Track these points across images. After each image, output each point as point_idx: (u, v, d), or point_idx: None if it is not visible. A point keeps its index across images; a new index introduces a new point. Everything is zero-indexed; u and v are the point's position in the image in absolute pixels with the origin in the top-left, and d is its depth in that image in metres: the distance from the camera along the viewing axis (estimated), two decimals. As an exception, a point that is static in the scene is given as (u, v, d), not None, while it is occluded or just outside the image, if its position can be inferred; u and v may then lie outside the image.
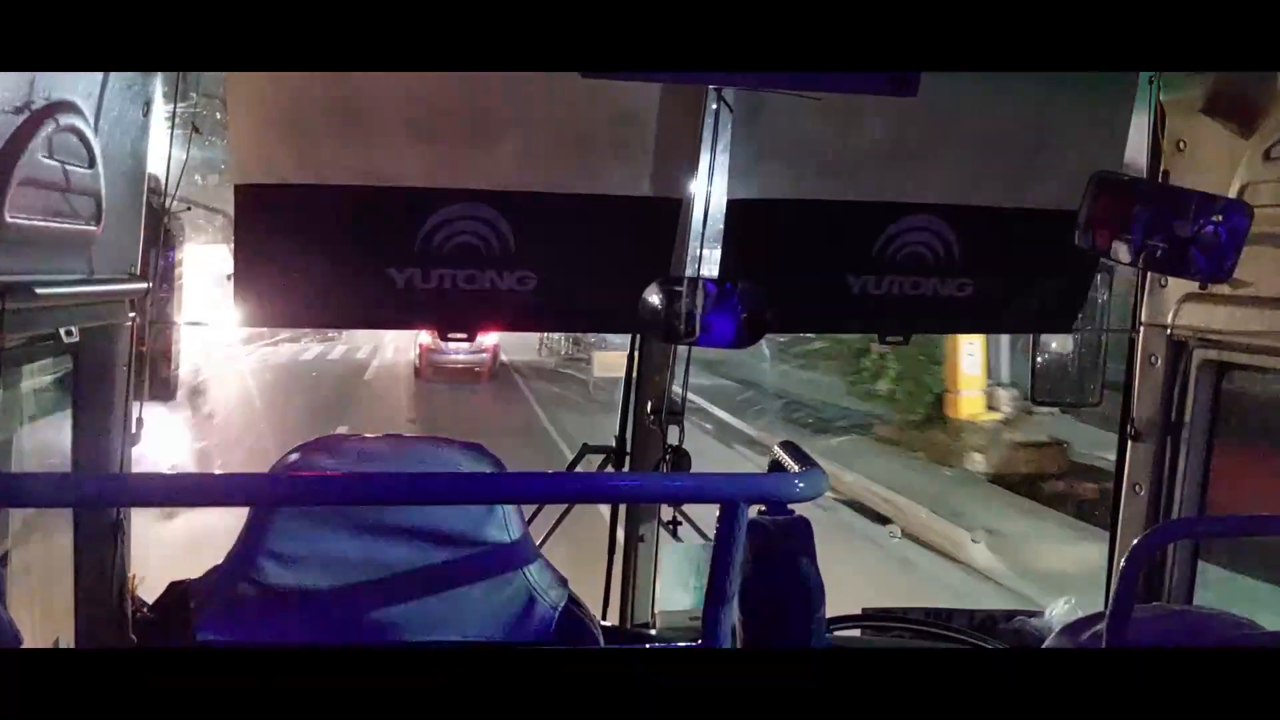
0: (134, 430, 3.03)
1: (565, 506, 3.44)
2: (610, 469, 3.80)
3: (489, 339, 25.07)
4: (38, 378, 2.93)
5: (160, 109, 2.97)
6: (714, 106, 3.18)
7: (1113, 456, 3.78)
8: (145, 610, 2.98)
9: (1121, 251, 2.95)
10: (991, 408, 16.54)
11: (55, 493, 1.66)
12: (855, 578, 8.30)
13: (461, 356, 25.03)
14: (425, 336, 23.70)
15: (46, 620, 3.02)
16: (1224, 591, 3.52)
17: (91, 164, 2.54)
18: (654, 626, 3.83)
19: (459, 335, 3.46)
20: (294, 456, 2.24)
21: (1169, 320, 3.43)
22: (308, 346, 32.10)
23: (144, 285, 3.00)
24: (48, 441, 3.00)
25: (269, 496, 1.75)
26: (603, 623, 3.26)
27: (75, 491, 1.72)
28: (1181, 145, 3.33)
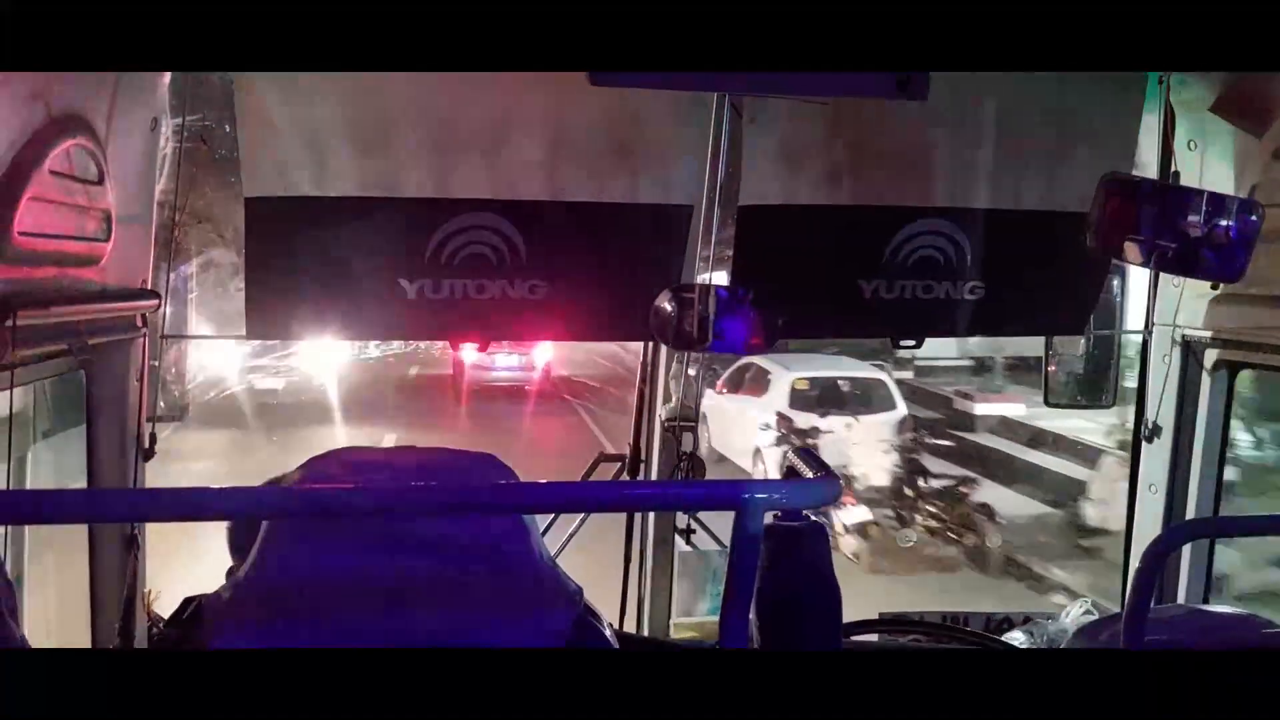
0: (147, 445, 3.04)
1: (581, 516, 3.44)
2: (625, 477, 3.80)
3: (540, 356, 23.29)
4: (51, 393, 2.95)
5: (168, 123, 2.99)
6: (723, 113, 3.19)
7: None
8: (160, 626, 2.98)
9: (1132, 252, 2.94)
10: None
11: (71, 509, 1.66)
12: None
13: (504, 374, 22.84)
14: (466, 353, 21.18)
15: (62, 637, 3.02)
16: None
17: (101, 179, 2.55)
18: (670, 634, 3.82)
19: (470, 346, 3.46)
20: (307, 470, 2.24)
21: (1181, 321, 3.42)
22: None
23: (155, 300, 3.01)
24: (61, 457, 3.01)
25: (284, 510, 1.75)
26: (619, 630, 3.25)
27: (91, 507, 1.72)
28: (1192, 145, 3.32)
